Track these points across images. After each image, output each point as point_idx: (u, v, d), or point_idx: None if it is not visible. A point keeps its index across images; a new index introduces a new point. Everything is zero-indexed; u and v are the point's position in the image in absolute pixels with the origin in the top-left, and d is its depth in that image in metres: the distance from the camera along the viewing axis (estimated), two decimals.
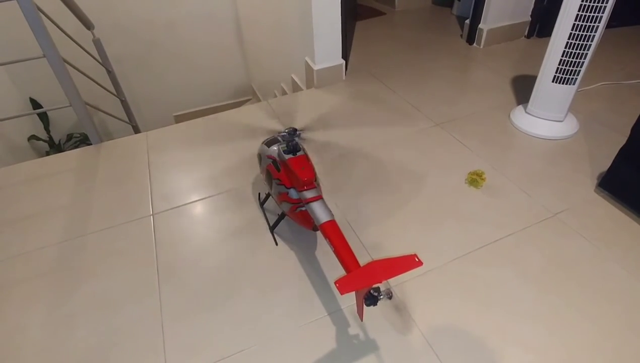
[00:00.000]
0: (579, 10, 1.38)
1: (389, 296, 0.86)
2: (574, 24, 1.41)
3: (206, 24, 3.43)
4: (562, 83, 1.56)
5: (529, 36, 2.56)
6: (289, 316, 1.07)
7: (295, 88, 2.32)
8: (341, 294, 0.79)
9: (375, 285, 0.82)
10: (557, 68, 1.53)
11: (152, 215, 1.40)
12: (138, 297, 1.14)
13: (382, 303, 1.08)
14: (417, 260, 0.80)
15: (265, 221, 1.35)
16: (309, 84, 2.16)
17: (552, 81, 1.57)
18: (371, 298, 0.82)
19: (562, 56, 1.50)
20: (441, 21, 2.92)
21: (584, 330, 1.01)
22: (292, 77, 2.34)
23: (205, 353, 1.00)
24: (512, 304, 1.07)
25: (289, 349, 1.00)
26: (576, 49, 1.46)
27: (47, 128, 3.14)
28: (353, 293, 1.06)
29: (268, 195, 1.37)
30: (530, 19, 2.49)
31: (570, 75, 1.53)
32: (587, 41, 1.43)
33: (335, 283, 0.77)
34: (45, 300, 1.15)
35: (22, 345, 1.05)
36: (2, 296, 1.17)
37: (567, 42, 1.46)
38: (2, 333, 1.08)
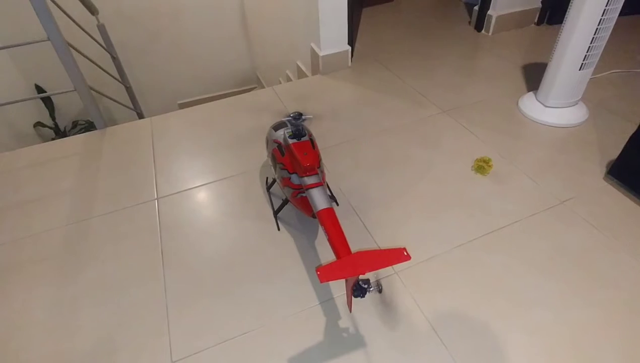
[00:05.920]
0: None
1: (379, 289, 0.83)
2: (605, 9, 1.37)
3: (210, 11, 3.40)
4: (584, 68, 1.54)
5: (539, 23, 2.51)
6: (290, 300, 1.07)
7: (301, 75, 2.29)
8: (320, 282, 0.76)
9: (364, 277, 0.81)
10: (585, 55, 1.50)
11: (157, 199, 1.40)
12: (143, 280, 1.15)
13: (388, 288, 1.07)
14: (405, 254, 0.77)
15: (270, 206, 1.34)
16: (315, 71, 2.14)
17: (580, 69, 1.53)
18: (359, 290, 0.79)
19: (591, 43, 1.46)
20: (449, 7, 2.87)
21: (590, 317, 1.00)
22: (297, 64, 2.32)
23: (207, 335, 1.00)
24: (518, 291, 1.06)
25: (291, 332, 1.00)
26: (601, 33, 1.44)
27: (52, 115, 3.14)
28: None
29: (275, 180, 1.37)
30: (540, 5, 2.44)
31: (592, 59, 1.52)
32: (609, 24, 1.42)
33: (316, 270, 0.75)
34: (51, 282, 1.16)
35: (27, 326, 1.06)
36: (8, 278, 1.18)
37: (597, 28, 1.42)
38: (8, 313, 1.09)
